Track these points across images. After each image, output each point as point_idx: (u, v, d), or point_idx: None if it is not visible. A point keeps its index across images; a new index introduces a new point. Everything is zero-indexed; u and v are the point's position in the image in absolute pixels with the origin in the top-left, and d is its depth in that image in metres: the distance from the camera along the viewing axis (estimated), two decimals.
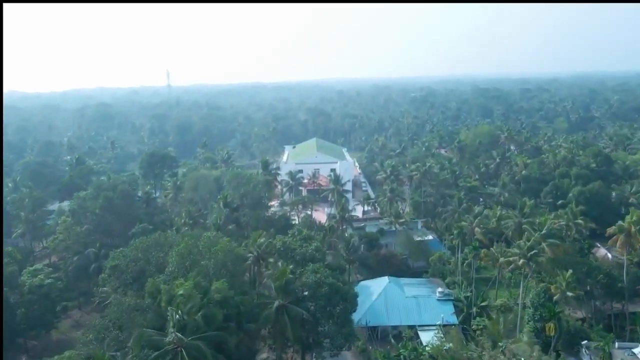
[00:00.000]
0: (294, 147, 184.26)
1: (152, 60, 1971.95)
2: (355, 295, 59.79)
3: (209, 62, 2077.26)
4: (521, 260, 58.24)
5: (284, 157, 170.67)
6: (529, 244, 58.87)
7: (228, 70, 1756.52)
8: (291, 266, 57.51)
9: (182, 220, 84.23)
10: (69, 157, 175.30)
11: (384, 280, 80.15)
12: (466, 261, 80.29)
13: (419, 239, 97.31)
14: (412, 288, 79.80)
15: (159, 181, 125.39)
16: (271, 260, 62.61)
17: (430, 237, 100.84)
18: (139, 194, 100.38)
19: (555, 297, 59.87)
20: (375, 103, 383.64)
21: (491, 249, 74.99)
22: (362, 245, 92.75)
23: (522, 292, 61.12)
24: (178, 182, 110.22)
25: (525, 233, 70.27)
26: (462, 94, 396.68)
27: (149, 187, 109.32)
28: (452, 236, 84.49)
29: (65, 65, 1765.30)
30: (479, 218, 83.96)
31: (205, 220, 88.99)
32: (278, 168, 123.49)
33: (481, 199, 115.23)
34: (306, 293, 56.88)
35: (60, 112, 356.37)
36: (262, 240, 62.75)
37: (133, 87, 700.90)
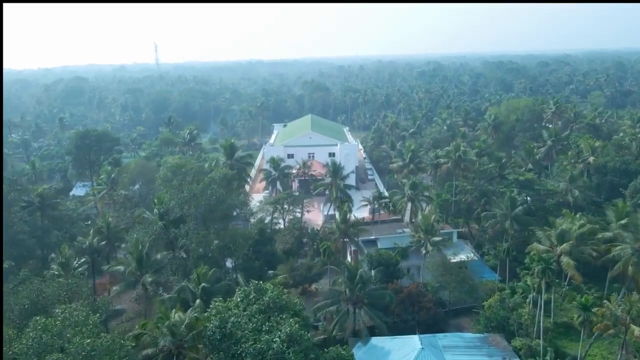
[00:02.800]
0: (284, 126, 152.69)
1: (145, 37, 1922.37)
2: None
3: (203, 39, 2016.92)
4: None
5: (272, 138, 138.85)
6: None
7: (223, 47, 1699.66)
8: None
9: (87, 242, 52.08)
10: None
11: (414, 343, 48.47)
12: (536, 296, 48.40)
13: (456, 259, 65.58)
14: (459, 357, 48.39)
15: (95, 172, 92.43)
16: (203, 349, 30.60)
17: (475, 257, 69.02)
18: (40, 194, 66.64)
19: None
20: (379, 78, 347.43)
21: (606, 303, 42.54)
22: (373, 273, 61.20)
23: None
24: (113, 175, 77.61)
25: None
26: (474, 68, 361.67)
27: (53, 185, 76.69)
28: (528, 272, 51.84)
29: (59, 43, 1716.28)
30: (570, 241, 50.96)
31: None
32: (249, 156, 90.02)
33: (527, 197, 79.98)
34: None
35: (31, 87, 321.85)
36: (178, 316, 30.29)
37: (124, 64, 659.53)
